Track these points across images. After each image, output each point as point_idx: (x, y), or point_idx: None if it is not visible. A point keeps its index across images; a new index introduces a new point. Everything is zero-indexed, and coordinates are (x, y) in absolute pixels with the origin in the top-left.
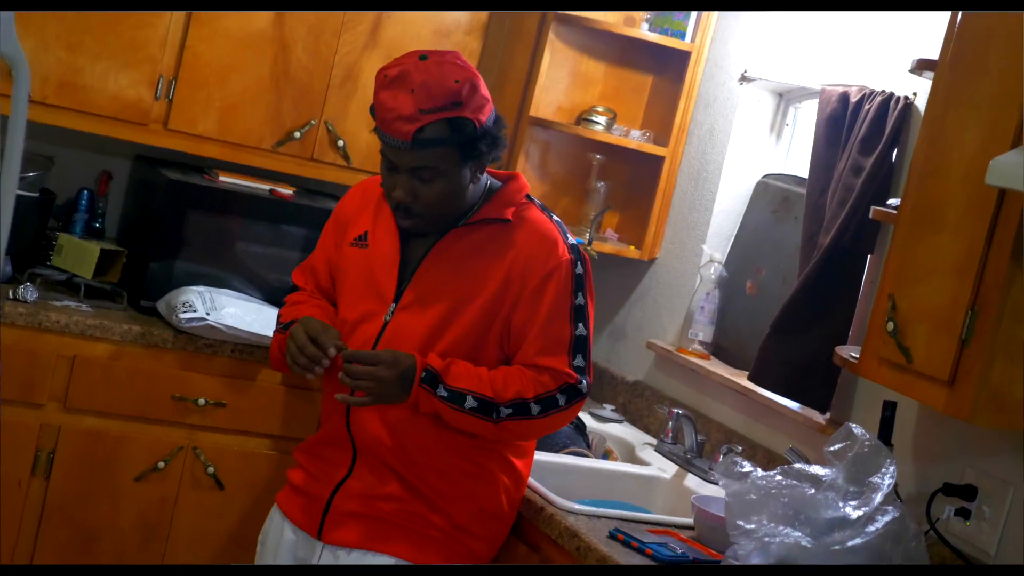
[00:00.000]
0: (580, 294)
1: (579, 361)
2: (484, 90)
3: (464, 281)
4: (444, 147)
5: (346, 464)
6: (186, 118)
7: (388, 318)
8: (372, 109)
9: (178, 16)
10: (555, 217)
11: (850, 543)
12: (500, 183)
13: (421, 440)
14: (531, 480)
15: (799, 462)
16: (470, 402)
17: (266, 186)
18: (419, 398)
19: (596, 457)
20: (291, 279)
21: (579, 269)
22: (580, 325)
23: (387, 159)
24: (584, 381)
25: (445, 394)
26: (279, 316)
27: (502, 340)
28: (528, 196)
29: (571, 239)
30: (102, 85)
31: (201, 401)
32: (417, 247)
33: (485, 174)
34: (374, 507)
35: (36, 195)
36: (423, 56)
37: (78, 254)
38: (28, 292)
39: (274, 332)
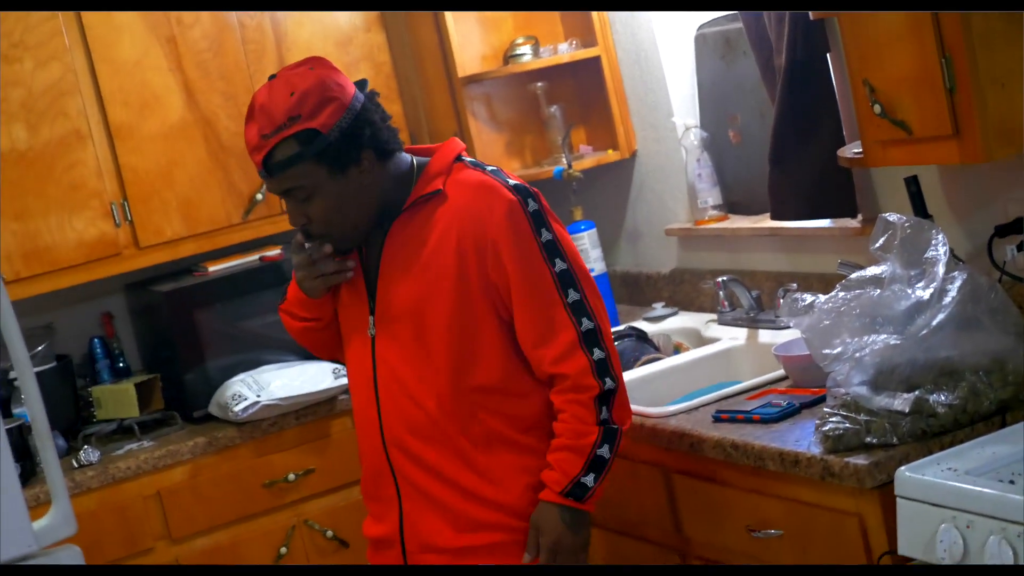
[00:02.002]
0: (544, 230)
1: (586, 324)
2: (331, 90)
3: (422, 272)
4: (300, 164)
5: (394, 496)
6: (152, 231)
7: (372, 332)
8: None
9: (100, 140)
10: (490, 168)
11: (935, 322)
12: (428, 157)
13: (448, 438)
14: None
15: (853, 272)
16: (603, 451)
17: (254, 256)
18: (590, 501)
19: (669, 356)
20: None
21: (532, 206)
22: (558, 261)
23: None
24: (607, 380)
25: (591, 484)
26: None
27: (495, 308)
28: (460, 157)
29: (512, 180)
30: (63, 237)
31: (291, 477)
32: (372, 253)
33: (402, 156)
34: (441, 537)
35: (53, 364)
36: (272, 76)
37: (117, 399)
38: (89, 455)
39: (281, 310)
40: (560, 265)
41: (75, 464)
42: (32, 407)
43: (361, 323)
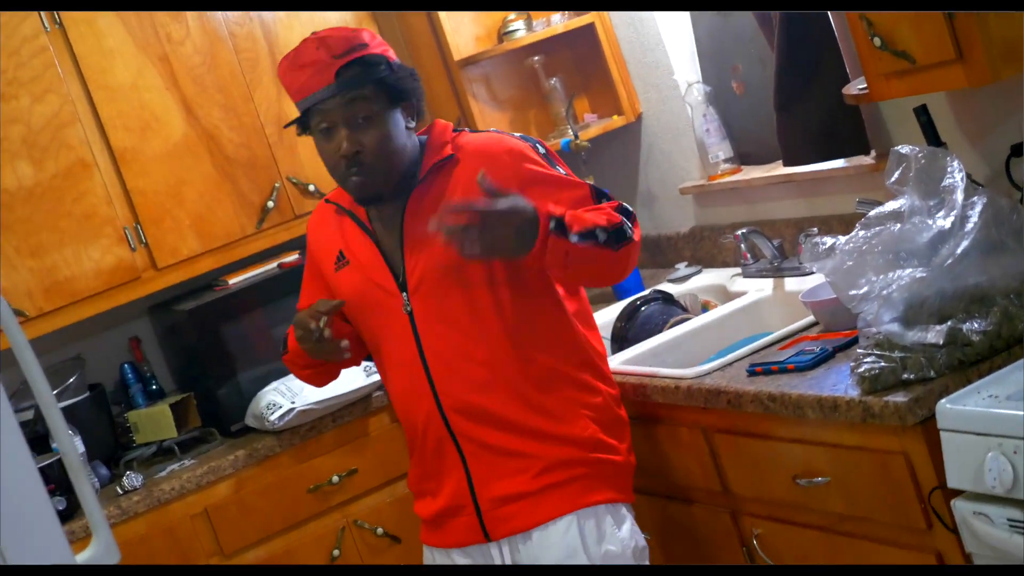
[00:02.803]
0: (558, 166)
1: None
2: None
3: None
4: (368, 86)
5: (458, 462)
6: (169, 251)
7: (409, 308)
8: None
9: (106, 167)
10: (491, 129)
11: (959, 250)
12: (424, 137)
13: (509, 385)
14: (651, 368)
15: (872, 210)
16: (600, 235)
17: (272, 264)
18: (548, 245)
19: (697, 315)
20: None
21: (541, 149)
22: (580, 183)
23: (320, 131)
24: (632, 226)
25: (575, 238)
26: (284, 343)
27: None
28: (455, 129)
29: (516, 134)
30: (80, 268)
31: (335, 479)
32: (389, 233)
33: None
34: (518, 485)
35: (86, 395)
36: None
37: (154, 422)
38: (132, 480)
39: (285, 360)
40: (583, 187)
41: (119, 491)
42: (61, 442)
43: (392, 307)
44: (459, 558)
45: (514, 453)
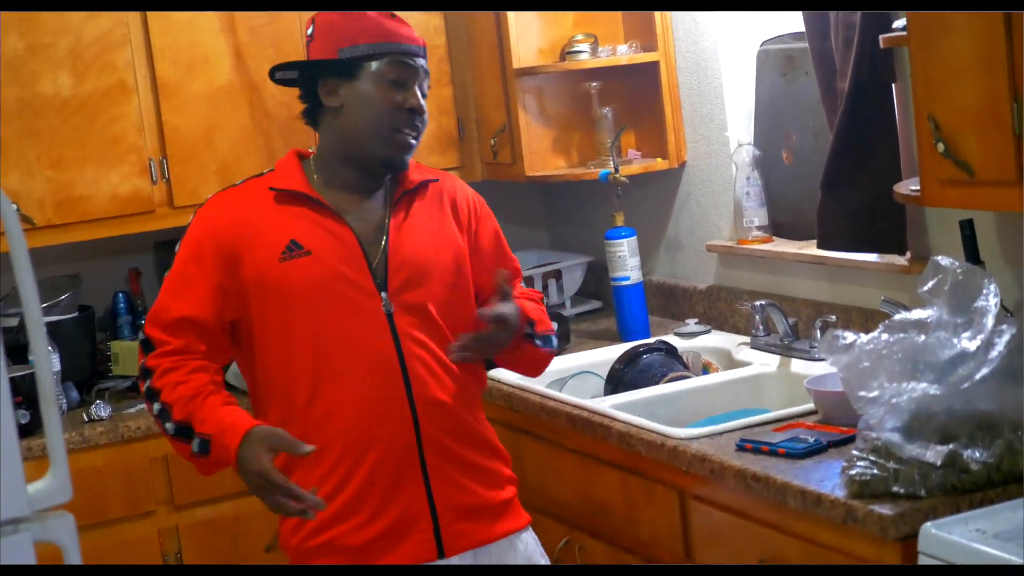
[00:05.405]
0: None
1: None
2: None
3: (439, 243)
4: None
5: (419, 475)
6: (188, 191)
7: (389, 308)
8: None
9: (146, 96)
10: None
11: (977, 375)
12: None
13: (469, 393)
14: (641, 420)
15: (896, 312)
16: (554, 342)
17: None
18: (520, 348)
19: (696, 375)
20: (145, 334)
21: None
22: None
23: (390, 80)
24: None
25: (540, 342)
26: (163, 407)
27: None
28: None
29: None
30: (97, 190)
31: None
32: (370, 231)
33: None
34: (478, 499)
35: (75, 315)
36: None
37: (135, 357)
38: (100, 410)
39: (169, 436)
40: (515, 259)
41: (85, 418)
42: (40, 365)
43: (365, 306)
44: None
45: (475, 466)
